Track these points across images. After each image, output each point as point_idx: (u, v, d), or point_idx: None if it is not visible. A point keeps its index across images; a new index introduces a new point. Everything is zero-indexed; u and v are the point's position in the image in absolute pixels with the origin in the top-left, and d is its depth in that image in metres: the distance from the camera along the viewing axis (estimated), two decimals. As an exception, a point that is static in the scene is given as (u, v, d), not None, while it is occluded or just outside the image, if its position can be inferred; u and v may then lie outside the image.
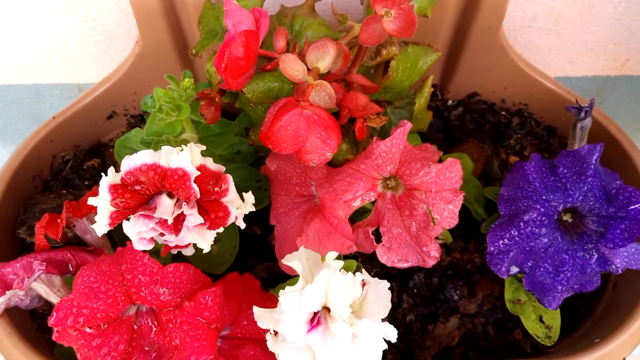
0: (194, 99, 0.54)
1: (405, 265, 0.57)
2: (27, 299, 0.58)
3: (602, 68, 0.90)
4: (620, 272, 0.55)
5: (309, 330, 0.47)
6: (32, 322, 0.63)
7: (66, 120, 0.67)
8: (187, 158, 0.44)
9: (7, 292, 0.54)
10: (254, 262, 0.68)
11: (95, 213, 0.55)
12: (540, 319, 0.61)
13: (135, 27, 0.67)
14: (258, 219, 0.70)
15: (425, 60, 0.54)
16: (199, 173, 0.45)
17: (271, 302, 0.57)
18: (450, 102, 0.78)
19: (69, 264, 0.55)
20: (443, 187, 0.54)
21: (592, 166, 0.53)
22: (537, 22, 0.81)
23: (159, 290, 0.51)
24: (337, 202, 0.53)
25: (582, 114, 0.58)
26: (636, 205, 0.51)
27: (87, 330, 0.50)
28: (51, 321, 0.49)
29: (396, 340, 0.64)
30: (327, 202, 0.54)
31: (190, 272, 0.52)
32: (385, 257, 0.57)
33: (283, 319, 0.46)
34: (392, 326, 0.49)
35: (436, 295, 0.67)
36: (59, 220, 0.53)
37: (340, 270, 0.47)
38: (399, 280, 0.67)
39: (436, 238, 0.57)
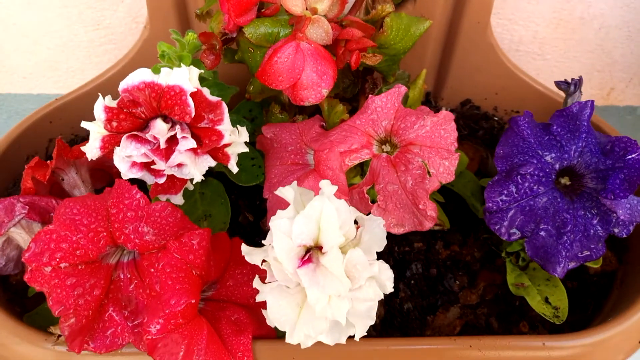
0: (195, 56, 0.56)
1: (401, 230, 0.55)
2: (2, 260, 0.55)
3: (588, 97, 0.93)
4: (624, 234, 0.53)
5: (299, 266, 0.44)
6: (4, 293, 0.59)
7: (69, 102, 0.68)
8: (184, 75, 0.45)
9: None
10: (245, 249, 0.66)
11: (85, 162, 0.55)
12: (547, 300, 0.57)
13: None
14: (251, 207, 0.69)
15: (418, 27, 0.57)
16: (195, 90, 0.45)
17: (259, 270, 0.54)
18: (443, 109, 0.80)
19: (52, 214, 0.53)
20: (438, 144, 0.54)
21: (585, 123, 0.53)
22: (523, 46, 0.86)
23: (144, 228, 0.48)
24: (333, 152, 0.53)
25: (572, 88, 0.60)
26: (633, 155, 0.50)
27: (63, 266, 0.47)
28: (26, 256, 0.47)
29: (394, 330, 0.61)
30: (322, 153, 0.53)
31: (177, 216, 0.50)
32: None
33: (273, 245, 0.44)
34: (387, 265, 0.46)
35: (435, 287, 0.63)
36: (48, 162, 0.52)
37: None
38: (396, 270, 0.64)
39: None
